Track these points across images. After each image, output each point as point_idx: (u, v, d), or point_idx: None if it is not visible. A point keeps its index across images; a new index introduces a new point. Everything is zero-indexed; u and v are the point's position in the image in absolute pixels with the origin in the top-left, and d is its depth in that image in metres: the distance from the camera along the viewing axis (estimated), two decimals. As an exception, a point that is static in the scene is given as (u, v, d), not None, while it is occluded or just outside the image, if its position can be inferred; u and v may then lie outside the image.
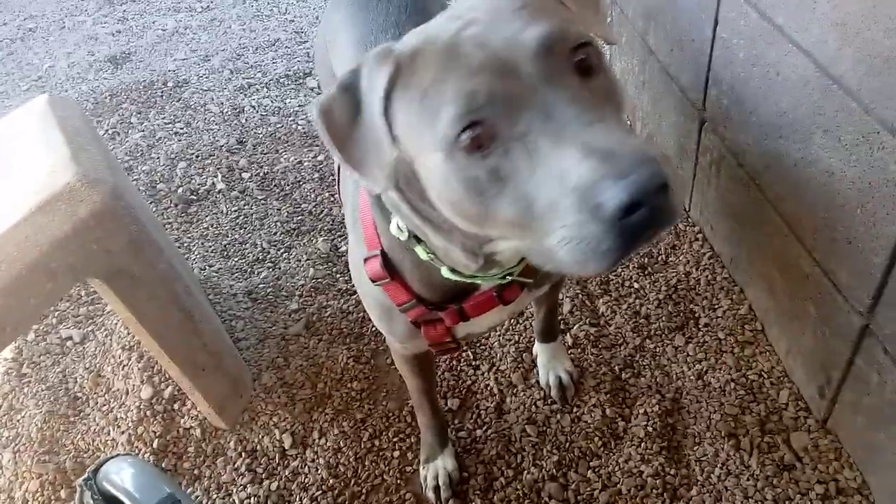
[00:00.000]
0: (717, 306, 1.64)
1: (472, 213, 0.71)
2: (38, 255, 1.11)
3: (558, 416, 1.49)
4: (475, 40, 0.67)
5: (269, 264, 1.99)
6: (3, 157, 1.36)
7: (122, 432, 1.56)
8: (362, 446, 1.49)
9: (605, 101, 0.67)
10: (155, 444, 1.52)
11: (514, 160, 0.65)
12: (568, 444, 1.44)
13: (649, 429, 1.43)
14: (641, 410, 1.46)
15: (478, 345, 1.66)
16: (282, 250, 2.02)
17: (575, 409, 1.50)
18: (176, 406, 1.59)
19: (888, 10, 0.94)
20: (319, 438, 1.52)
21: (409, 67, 0.70)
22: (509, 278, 0.93)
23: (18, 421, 1.65)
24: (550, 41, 0.65)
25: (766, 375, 1.48)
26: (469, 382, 1.59)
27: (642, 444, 1.40)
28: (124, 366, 1.67)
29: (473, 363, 1.62)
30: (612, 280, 1.75)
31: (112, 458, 1.03)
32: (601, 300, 1.71)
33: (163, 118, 2.66)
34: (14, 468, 1.54)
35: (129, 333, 1.71)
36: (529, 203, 0.64)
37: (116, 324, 1.77)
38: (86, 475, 0.97)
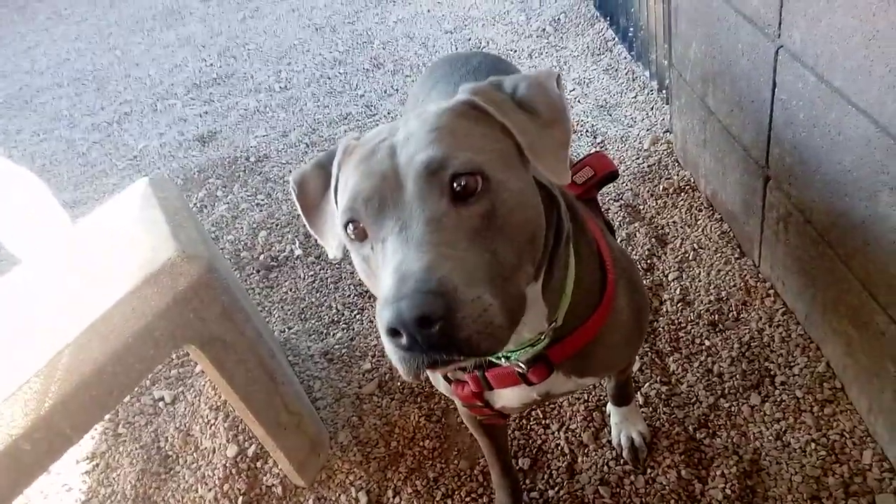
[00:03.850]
0: (793, 364, 1.60)
1: (372, 288, 0.81)
2: (143, 325, 1.23)
3: (632, 476, 1.48)
4: (389, 150, 0.77)
5: (344, 325, 2.08)
6: (112, 235, 1.51)
7: (210, 489, 1.64)
8: (436, 506, 1.52)
9: (468, 228, 0.70)
10: (239, 502, 1.60)
11: (376, 257, 0.74)
12: (642, 506, 1.43)
13: (727, 491, 1.40)
14: (718, 472, 1.44)
15: (547, 404, 1.68)
16: (355, 312, 2.12)
17: (649, 470, 1.48)
18: (259, 464, 1.66)
19: (944, 72, 0.96)
20: (394, 497, 1.55)
21: (348, 157, 0.83)
22: (521, 357, 0.92)
23: (114, 479, 1.76)
24: (433, 166, 0.72)
25: (847, 435, 1.44)
26: (539, 442, 1.60)
27: (720, 508, 1.38)
28: (211, 425, 1.77)
29: (543, 422, 1.64)
30: (682, 338, 1.74)
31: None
32: (671, 358, 1.70)
33: (245, 191, 2.86)
34: (111, 524, 1.64)
35: (215, 394, 1.82)
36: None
37: (204, 385, 1.89)
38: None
